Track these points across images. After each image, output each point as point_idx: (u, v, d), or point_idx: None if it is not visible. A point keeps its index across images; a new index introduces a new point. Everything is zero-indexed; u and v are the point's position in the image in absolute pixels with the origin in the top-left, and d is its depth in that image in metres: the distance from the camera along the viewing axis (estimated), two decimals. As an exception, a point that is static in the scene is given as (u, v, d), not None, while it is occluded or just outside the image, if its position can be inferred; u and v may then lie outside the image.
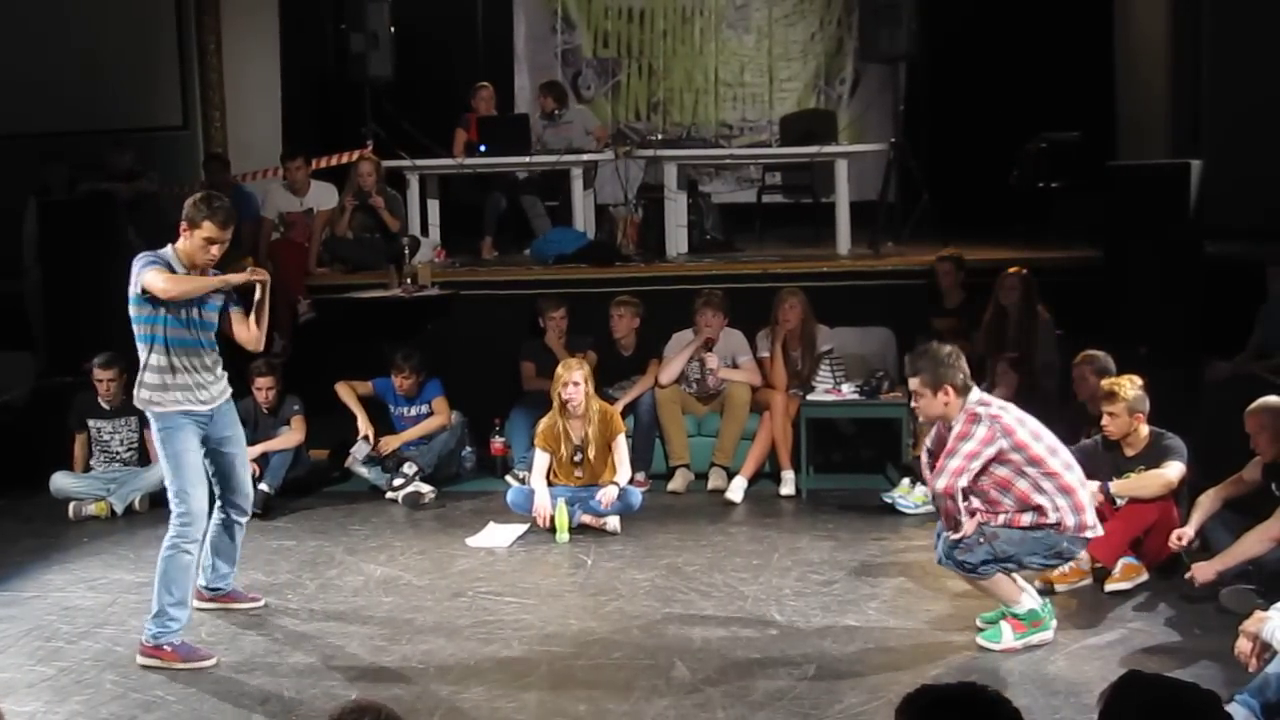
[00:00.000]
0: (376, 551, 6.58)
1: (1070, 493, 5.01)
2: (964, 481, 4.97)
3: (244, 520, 5.58)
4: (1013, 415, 5.04)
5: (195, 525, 5.15)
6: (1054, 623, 5.11)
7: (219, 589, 5.65)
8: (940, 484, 5.00)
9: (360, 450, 7.64)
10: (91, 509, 7.37)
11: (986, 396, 5.17)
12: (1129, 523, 5.67)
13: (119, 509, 7.36)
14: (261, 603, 5.73)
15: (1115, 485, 5.75)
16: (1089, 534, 5.07)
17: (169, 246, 5.17)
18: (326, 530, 7.01)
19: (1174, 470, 5.75)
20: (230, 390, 5.41)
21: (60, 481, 7.51)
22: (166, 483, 5.22)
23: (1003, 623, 5.05)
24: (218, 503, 5.45)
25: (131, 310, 5.16)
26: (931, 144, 10.35)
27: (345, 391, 7.83)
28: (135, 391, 5.23)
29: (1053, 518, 4.97)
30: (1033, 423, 5.08)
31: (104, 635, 5.44)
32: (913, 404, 5.36)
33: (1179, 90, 9.61)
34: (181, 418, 5.16)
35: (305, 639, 5.34)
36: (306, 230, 9.33)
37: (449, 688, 4.79)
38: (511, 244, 10.13)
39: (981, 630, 5.13)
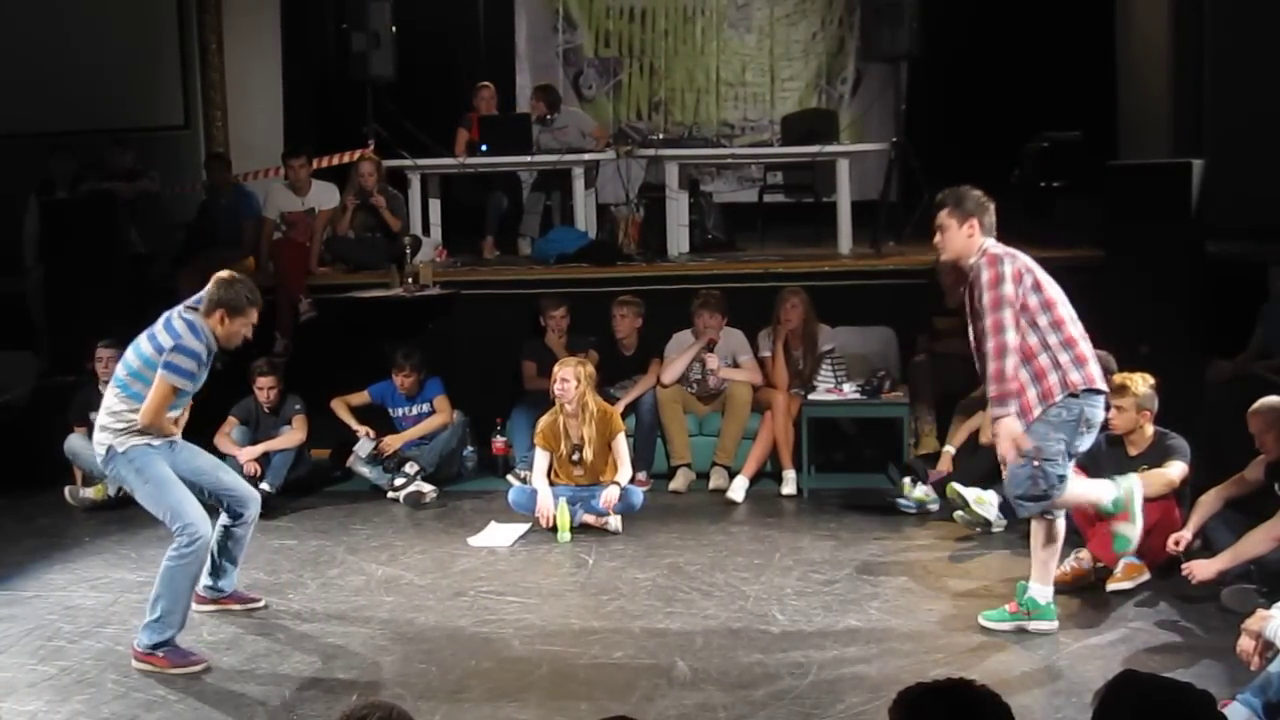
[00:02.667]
0: (378, 551, 6.59)
1: (1073, 345, 4.91)
2: (1013, 337, 4.77)
3: (252, 519, 5.54)
4: (1025, 256, 4.95)
5: (201, 536, 5.11)
6: (1056, 612, 5.13)
7: (220, 591, 5.65)
8: (1002, 338, 4.75)
9: (364, 447, 7.64)
10: (90, 493, 7.43)
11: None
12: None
13: (112, 491, 7.38)
14: (262, 603, 5.72)
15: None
16: (1098, 385, 4.96)
17: (205, 325, 5.15)
18: (328, 530, 7.01)
19: (1176, 470, 5.75)
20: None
21: (75, 443, 7.56)
22: (157, 513, 5.17)
23: (1006, 606, 5.14)
24: (223, 511, 5.44)
25: (138, 363, 5.15)
26: (933, 143, 10.33)
27: (340, 408, 7.83)
28: (96, 435, 5.23)
29: (1053, 378, 4.85)
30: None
31: (105, 635, 5.44)
32: (935, 239, 5.19)
33: (1180, 89, 9.59)
34: (144, 448, 5.16)
35: (307, 638, 5.35)
36: (308, 230, 9.32)
37: (450, 688, 4.80)
38: (512, 244, 10.13)
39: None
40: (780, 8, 12.31)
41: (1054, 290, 4.97)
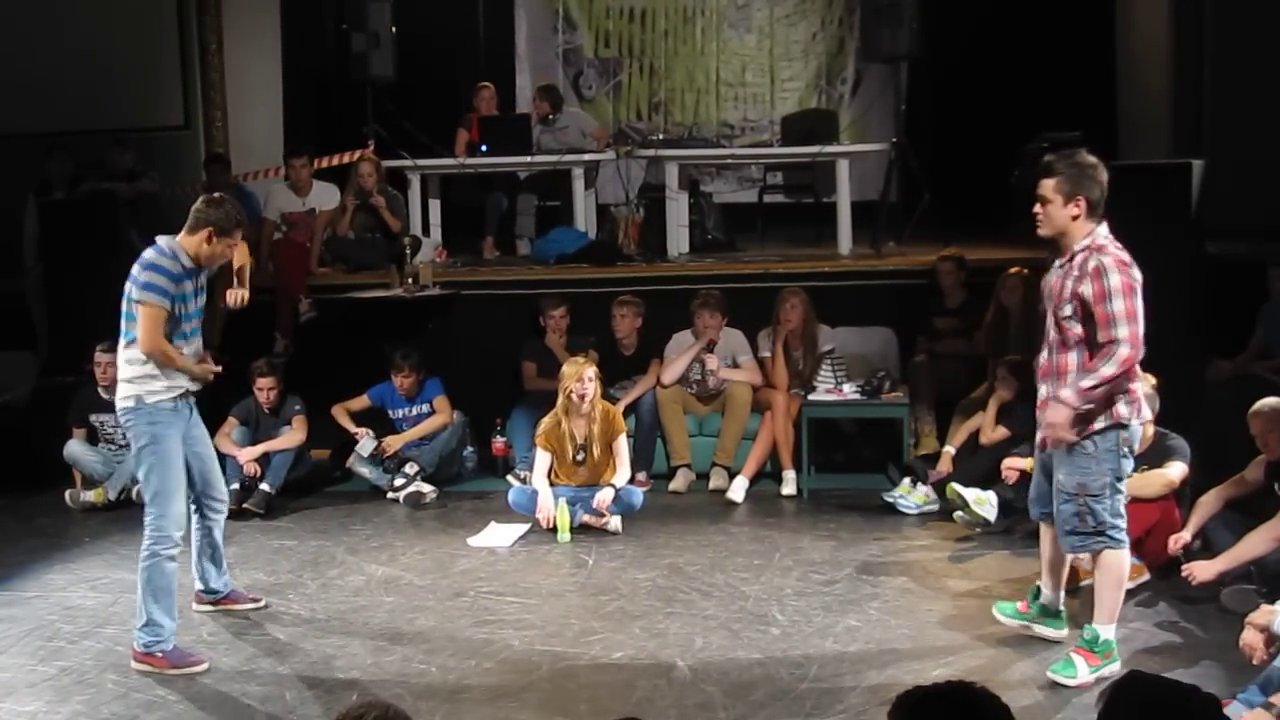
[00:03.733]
0: (378, 551, 6.58)
1: (1131, 378, 4.67)
2: (1135, 353, 4.52)
3: (222, 517, 5.54)
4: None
5: (174, 531, 5.07)
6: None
7: (217, 591, 5.65)
8: (1123, 332, 4.48)
9: (365, 447, 7.64)
10: (90, 496, 7.43)
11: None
12: (1131, 522, 5.64)
13: (113, 495, 7.42)
14: (262, 603, 5.72)
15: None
16: (1141, 418, 4.76)
17: (177, 243, 5.11)
18: (328, 530, 7.01)
19: (1176, 470, 5.75)
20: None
21: (74, 449, 7.59)
22: (146, 486, 5.11)
23: (1074, 654, 4.81)
24: (193, 505, 5.41)
25: (126, 305, 5.12)
26: (933, 144, 10.35)
27: (340, 414, 7.83)
28: (120, 391, 5.13)
29: (1100, 405, 4.60)
30: None
31: (105, 635, 5.44)
32: (1035, 209, 4.78)
33: (1180, 90, 9.59)
34: (170, 414, 5.11)
35: (307, 639, 5.34)
36: (308, 230, 9.32)
37: (450, 687, 4.80)
38: (510, 244, 10.13)
39: (1053, 663, 4.84)
40: (780, 8, 12.31)
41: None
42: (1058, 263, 4.80)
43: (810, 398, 7.59)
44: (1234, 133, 8.89)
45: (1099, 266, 4.60)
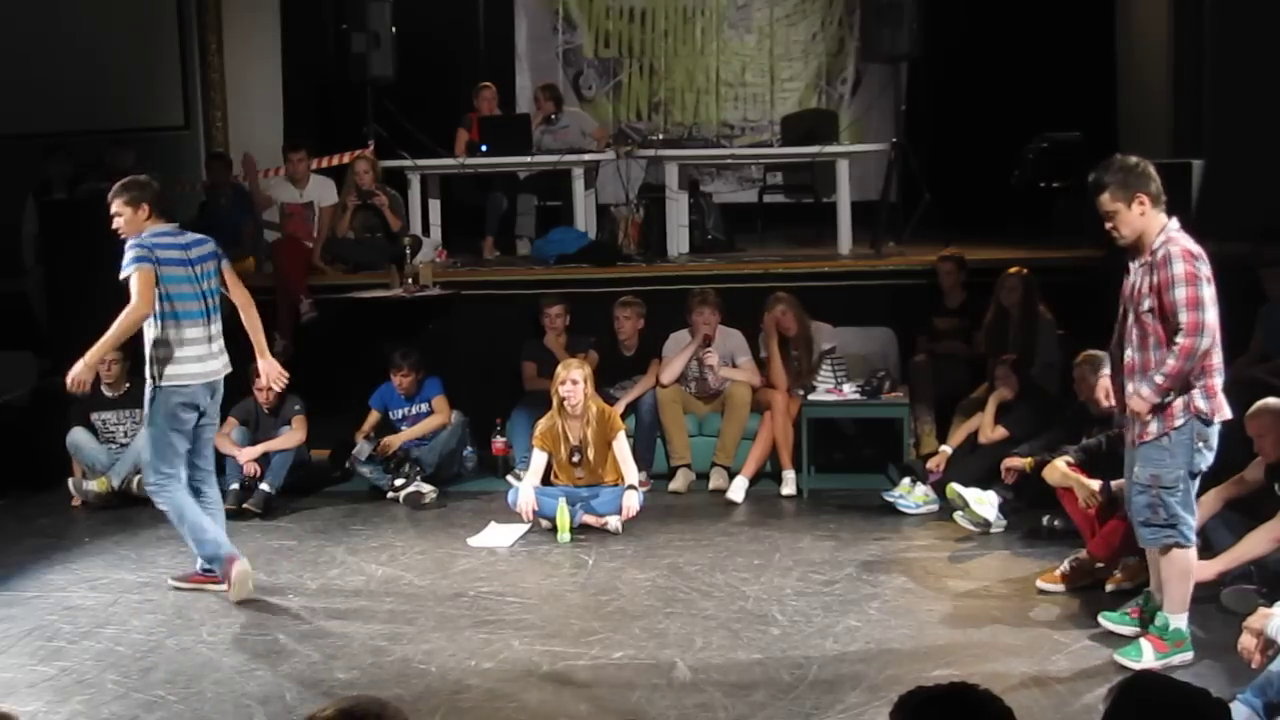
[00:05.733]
0: (378, 551, 6.59)
1: (1209, 373, 4.68)
2: (1208, 340, 4.54)
3: (210, 486, 5.95)
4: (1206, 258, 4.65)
5: (166, 487, 5.70)
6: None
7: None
8: (1184, 319, 4.50)
9: (363, 450, 7.64)
10: (93, 485, 7.43)
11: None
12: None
13: (116, 483, 7.44)
14: (224, 586, 5.84)
15: (1118, 484, 5.74)
16: (1221, 418, 4.75)
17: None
18: (328, 530, 7.01)
19: None
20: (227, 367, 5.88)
21: (77, 436, 7.62)
22: (146, 449, 5.69)
23: (1143, 640, 4.85)
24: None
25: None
26: (933, 144, 10.35)
27: (359, 437, 7.83)
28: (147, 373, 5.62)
29: (1178, 400, 4.63)
30: None
31: (105, 635, 5.44)
32: (1107, 224, 4.79)
33: (1180, 90, 9.59)
34: (191, 392, 5.60)
35: (306, 639, 5.34)
36: (306, 225, 9.34)
37: (450, 688, 4.80)
38: (510, 244, 10.13)
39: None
40: (780, 8, 12.31)
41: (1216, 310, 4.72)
42: (1136, 262, 4.83)
43: (810, 398, 7.59)
44: (1234, 133, 8.89)
45: (1166, 255, 4.68)
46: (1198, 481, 4.86)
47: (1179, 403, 4.70)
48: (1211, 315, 4.61)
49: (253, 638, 5.38)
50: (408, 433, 7.78)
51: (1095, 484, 5.75)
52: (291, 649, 5.24)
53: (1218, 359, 4.74)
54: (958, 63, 10.77)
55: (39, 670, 5.07)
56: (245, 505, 7.24)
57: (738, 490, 7.41)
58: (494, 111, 10.27)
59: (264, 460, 7.47)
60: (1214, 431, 4.80)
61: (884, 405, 7.52)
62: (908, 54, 9.66)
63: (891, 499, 7.07)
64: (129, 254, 5.64)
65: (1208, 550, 5.60)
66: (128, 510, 7.41)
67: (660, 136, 11.45)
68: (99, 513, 7.41)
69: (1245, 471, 5.64)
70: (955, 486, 6.67)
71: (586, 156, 9.74)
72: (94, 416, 7.74)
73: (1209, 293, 4.62)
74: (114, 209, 5.75)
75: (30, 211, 9.35)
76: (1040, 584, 5.72)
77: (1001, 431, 6.95)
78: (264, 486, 7.36)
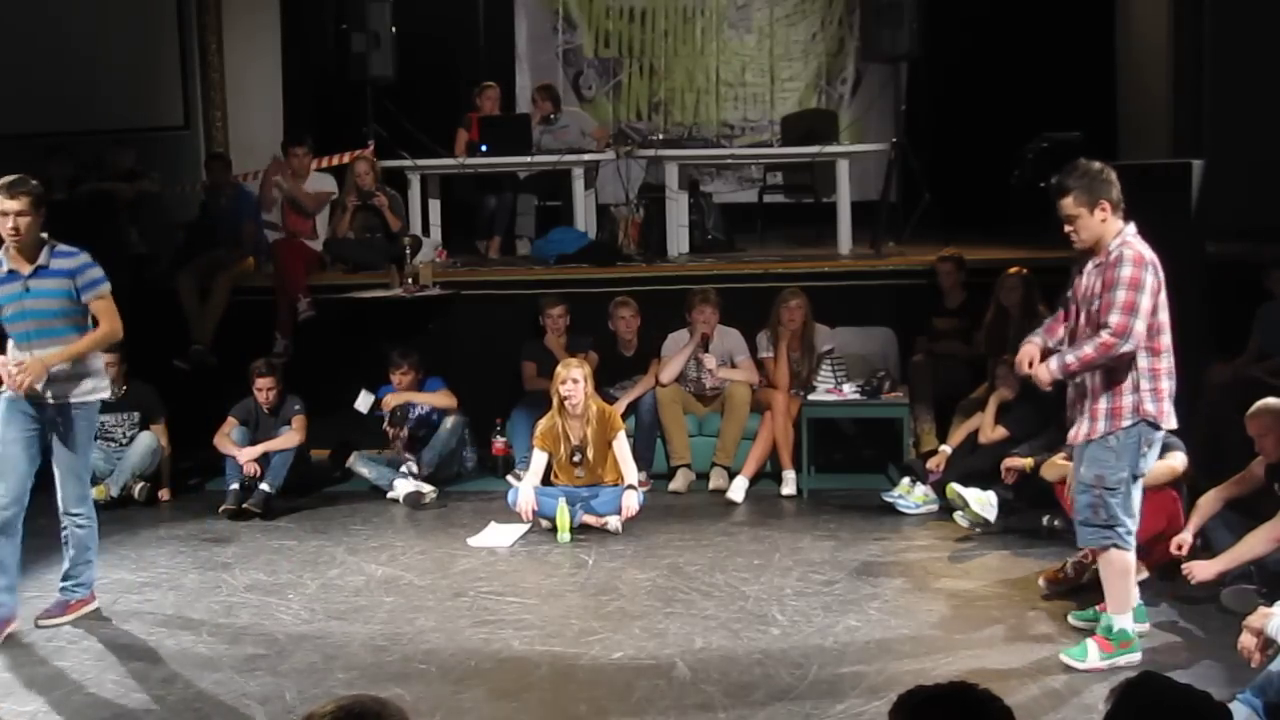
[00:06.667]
0: (378, 551, 6.59)
1: (1158, 376, 4.74)
2: (1131, 346, 4.58)
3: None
4: (1158, 266, 4.69)
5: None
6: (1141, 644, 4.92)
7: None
8: (1114, 319, 4.56)
9: (364, 402, 7.63)
10: (90, 492, 7.42)
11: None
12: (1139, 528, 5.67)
13: (115, 491, 7.42)
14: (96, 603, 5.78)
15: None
16: (1167, 425, 4.80)
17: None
18: (328, 530, 7.01)
19: (1178, 459, 5.74)
20: None
21: None
22: (81, 474, 5.75)
23: (1090, 640, 4.87)
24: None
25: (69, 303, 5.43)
26: (933, 144, 10.35)
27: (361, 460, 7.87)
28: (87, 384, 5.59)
29: (1128, 400, 4.67)
30: None
31: (105, 635, 5.45)
32: (1066, 228, 4.86)
33: (1180, 90, 9.60)
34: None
35: (306, 639, 5.35)
36: (308, 224, 9.34)
37: (450, 688, 4.80)
38: (510, 244, 10.13)
39: (1073, 641, 4.94)
40: (780, 8, 12.30)
41: (1165, 315, 4.78)
42: (1091, 263, 4.85)
43: (810, 398, 7.60)
44: (1233, 133, 8.90)
45: (1119, 257, 4.72)
46: (1140, 484, 4.87)
47: (1128, 403, 4.73)
48: (1141, 326, 4.65)
49: (253, 637, 5.38)
50: (410, 394, 7.76)
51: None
52: (293, 649, 5.24)
53: (1168, 363, 4.79)
54: (957, 63, 10.77)
55: (39, 670, 5.08)
56: (245, 505, 7.24)
57: (738, 490, 7.42)
58: (496, 111, 10.26)
59: (264, 460, 7.46)
60: (1159, 436, 4.85)
61: (884, 405, 7.52)
62: (908, 54, 9.66)
63: (891, 499, 7.08)
64: (98, 269, 5.48)
65: (1208, 550, 5.62)
66: (128, 510, 7.41)
67: (660, 136, 11.45)
68: (98, 513, 7.37)
69: (1245, 471, 5.65)
70: (955, 486, 6.67)
71: (586, 156, 9.74)
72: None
73: (1146, 303, 4.66)
74: (20, 207, 5.30)
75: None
76: (1041, 583, 5.72)
77: (1001, 431, 6.96)
78: (264, 486, 7.35)
